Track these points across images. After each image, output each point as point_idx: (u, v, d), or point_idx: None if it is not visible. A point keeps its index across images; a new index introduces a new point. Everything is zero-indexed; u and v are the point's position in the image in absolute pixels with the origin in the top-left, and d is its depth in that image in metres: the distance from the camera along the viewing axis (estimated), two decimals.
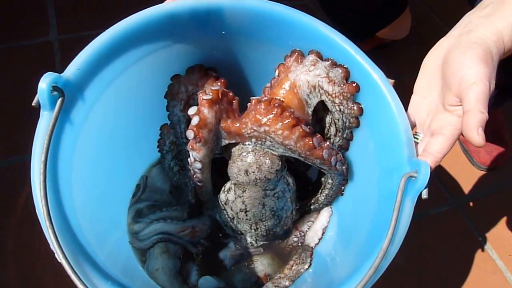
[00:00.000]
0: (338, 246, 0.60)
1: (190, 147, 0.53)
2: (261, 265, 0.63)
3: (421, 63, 0.53)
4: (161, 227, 0.62)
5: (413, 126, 0.53)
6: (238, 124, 0.51)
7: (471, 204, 0.91)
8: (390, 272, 0.76)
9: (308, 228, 0.65)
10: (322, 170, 0.55)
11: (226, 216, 0.61)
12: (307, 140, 0.49)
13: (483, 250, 0.85)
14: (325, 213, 0.65)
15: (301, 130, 0.49)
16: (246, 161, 0.53)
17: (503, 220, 0.89)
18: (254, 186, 0.55)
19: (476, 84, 0.44)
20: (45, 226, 0.41)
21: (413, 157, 0.47)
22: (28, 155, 0.44)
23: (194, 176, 0.57)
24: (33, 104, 0.45)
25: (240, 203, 0.58)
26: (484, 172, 0.96)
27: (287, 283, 0.60)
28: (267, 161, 0.53)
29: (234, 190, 0.57)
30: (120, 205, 0.64)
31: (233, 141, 0.54)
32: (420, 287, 0.78)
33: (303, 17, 0.53)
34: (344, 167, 0.55)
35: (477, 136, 0.43)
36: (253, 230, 0.61)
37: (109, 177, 0.60)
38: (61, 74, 0.46)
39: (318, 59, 0.55)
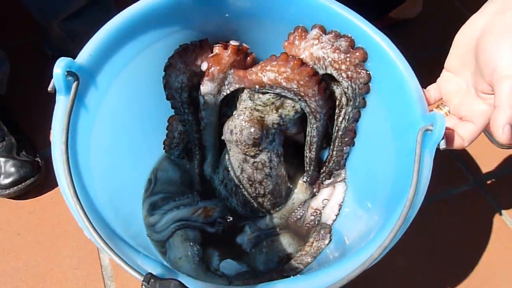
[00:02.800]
0: (357, 218, 0.60)
1: (201, 81, 0.59)
2: (281, 245, 0.62)
3: (434, 41, 0.53)
4: (176, 214, 0.63)
5: (438, 98, 0.53)
6: (244, 71, 0.57)
7: (492, 183, 0.90)
8: (412, 252, 0.77)
9: (324, 206, 0.65)
10: (312, 113, 0.58)
11: (219, 176, 0.65)
12: (303, 67, 0.53)
13: (507, 228, 0.85)
14: (340, 188, 0.65)
15: (296, 61, 0.53)
16: (233, 122, 0.59)
17: None
18: (236, 146, 0.60)
19: (508, 77, 0.42)
20: (71, 205, 0.41)
21: (426, 112, 0.48)
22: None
23: (199, 114, 0.63)
24: (49, 89, 0.45)
25: (227, 160, 0.63)
26: (505, 151, 0.93)
27: (309, 260, 0.60)
28: (250, 127, 0.58)
29: (227, 147, 0.63)
30: (135, 199, 0.64)
31: (241, 86, 0.58)
32: (443, 267, 0.78)
33: None
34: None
35: (501, 134, 0.42)
36: (233, 194, 0.65)
37: (123, 169, 0.60)
38: (75, 60, 0.47)
39: (321, 32, 0.56)
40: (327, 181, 0.67)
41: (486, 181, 0.90)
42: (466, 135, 0.48)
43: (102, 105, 0.52)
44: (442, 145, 0.45)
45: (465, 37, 0.49)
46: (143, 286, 0.37)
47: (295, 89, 0.54)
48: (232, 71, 0.59)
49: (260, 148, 0.60)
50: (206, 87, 0.60)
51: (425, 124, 0.46)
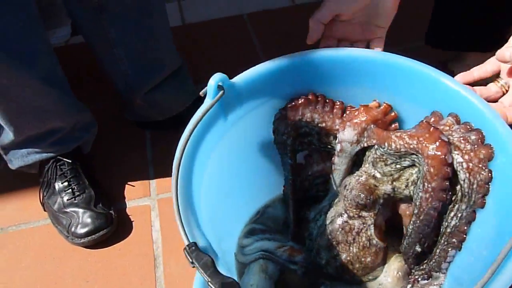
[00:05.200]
0: None
1: (342, 126, 0.63)
2: None
3: None
4: (264, 244, 0.66)
5: (495, 71, 0.56)
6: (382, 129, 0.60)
7: None
8: None
9: None
10: (423, 178, 0.55)
11: (320, 220, 0.66)
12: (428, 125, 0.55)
13: None
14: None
15: (424, 124, 0.56)
16: (350, 179, 0.63)
17: None
18: (343, 200, 0.63)
19: None
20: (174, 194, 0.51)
21: None
22: None
23: (332, 159, 0.66)
24: (200, 93, 0.57)
25: (330, 206, 0.66)
26: None
27: None
28: (359, 191, 0.61)
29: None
30: (237, 221, 0.71)
31: (376, 142, 0.60)
32: None
33: (447, 79, 0.56)
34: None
35: None
36: (316, 238, 0.66)
37: (234, 192, 0.68)
38: (229, 79, 0.58)
39: (455, 122, 0.56)
40: (423, 281, 0.61)
41: None
42: None
43: (235, 125, 0.61)
44: None
45: None
46: (185, 251, 0.42)
47: (415, 145, 0.54)
48: (373, 126, 0.61)
49: (360, 214, 0.61)
50: (347, 133, 0.62)
51: None
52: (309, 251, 0.66)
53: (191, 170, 0.56)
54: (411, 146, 0.55)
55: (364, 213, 0.62)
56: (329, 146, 0.66)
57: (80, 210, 0.89)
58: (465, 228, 0.55)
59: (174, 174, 0.51)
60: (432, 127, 0.55)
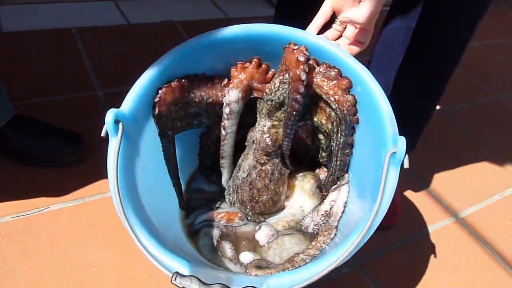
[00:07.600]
0: (357, 210, 0.71)
1: (226, 90, 0.71)
2: (289, 243, 0.75)
3: None
4: (202, 217, 0.78)
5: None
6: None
7: (370, 264, 0.95)
8: None
9: (332, 207, 0.77)
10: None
11: (235, 180, 0.79)
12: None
13: None
14: (344, 189, 0.76)
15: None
16: (255, 134, 0.75)
17: (404, 278, 0.93)
18: (253, 154, 0.75)
19: None
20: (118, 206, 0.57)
21: (395, 134, 0.58)
22: None
23: (222, 124, 0.74)
24: (102, 135, 0.60)
25: (241, 162, 0.78)
26: (379, 232, 0.99)
27: (316, 252, 0.72)
28: (266, 141, 0.73)
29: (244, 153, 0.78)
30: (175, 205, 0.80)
31: (259, 95, 0.71)
32: None
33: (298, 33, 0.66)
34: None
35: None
36: (235, 192, 0.79)
37: (162, 186, 0.75)
38: (119, 109, 0.61)
39: (315, 65, 0.67)
40: (334, 186, 0.78)
41: (364, 262, 0.95)
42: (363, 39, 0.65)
43: (141, 140, 0.66)
44: (406, 165, 0.55)
45: None
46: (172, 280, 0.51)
47: (282, 66, 0.66)
48: (255, 82, 0.71)
49: (269, 158, 0.74)
50: (232, 94, 0.71)
51: (392, 147, 0.57)
52: (230, 204, 0.80)
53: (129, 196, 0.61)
54: (281, 69, 0.67)
55: (272, 157, 0.75)
56: (217, 119, 0.75)
57: None
58: (351, 139, 0.71)
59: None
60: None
